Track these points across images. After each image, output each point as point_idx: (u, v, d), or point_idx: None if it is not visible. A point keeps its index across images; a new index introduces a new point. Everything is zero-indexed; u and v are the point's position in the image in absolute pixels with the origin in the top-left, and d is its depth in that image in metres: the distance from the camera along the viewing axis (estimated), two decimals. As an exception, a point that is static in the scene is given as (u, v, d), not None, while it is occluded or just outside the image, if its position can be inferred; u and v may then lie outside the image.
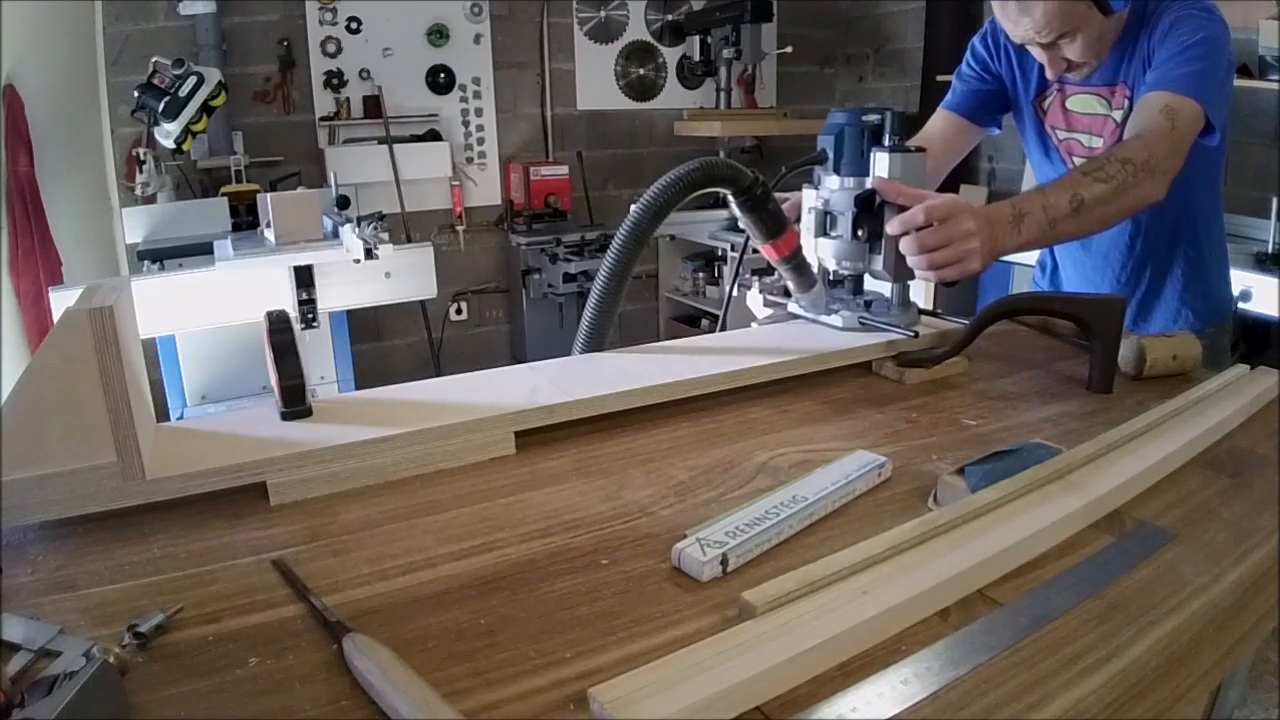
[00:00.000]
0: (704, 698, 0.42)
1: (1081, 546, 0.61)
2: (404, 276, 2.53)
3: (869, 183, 1.00)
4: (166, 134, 2.52)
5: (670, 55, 4.03)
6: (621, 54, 3.95)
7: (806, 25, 4.23)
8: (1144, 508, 0.66)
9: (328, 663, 0.48)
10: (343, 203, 2.64)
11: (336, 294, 2.46)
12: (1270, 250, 2.62)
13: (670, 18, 3.99)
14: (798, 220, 1.08)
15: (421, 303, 3.36)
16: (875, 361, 1.00)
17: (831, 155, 1.04)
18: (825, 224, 1.04)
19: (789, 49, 3.87)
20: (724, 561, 0.57)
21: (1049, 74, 1.33)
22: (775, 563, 0.59)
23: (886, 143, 0.99)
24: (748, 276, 1.13)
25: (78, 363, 0.60)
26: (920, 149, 1.02)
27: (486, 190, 3.75)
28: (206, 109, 2.52)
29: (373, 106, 3.45)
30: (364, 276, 2.43)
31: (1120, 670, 0.47)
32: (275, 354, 0.76)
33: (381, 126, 3.44)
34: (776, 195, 1.07)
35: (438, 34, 3.52)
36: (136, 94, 2.49)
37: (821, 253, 1.06)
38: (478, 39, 3.61)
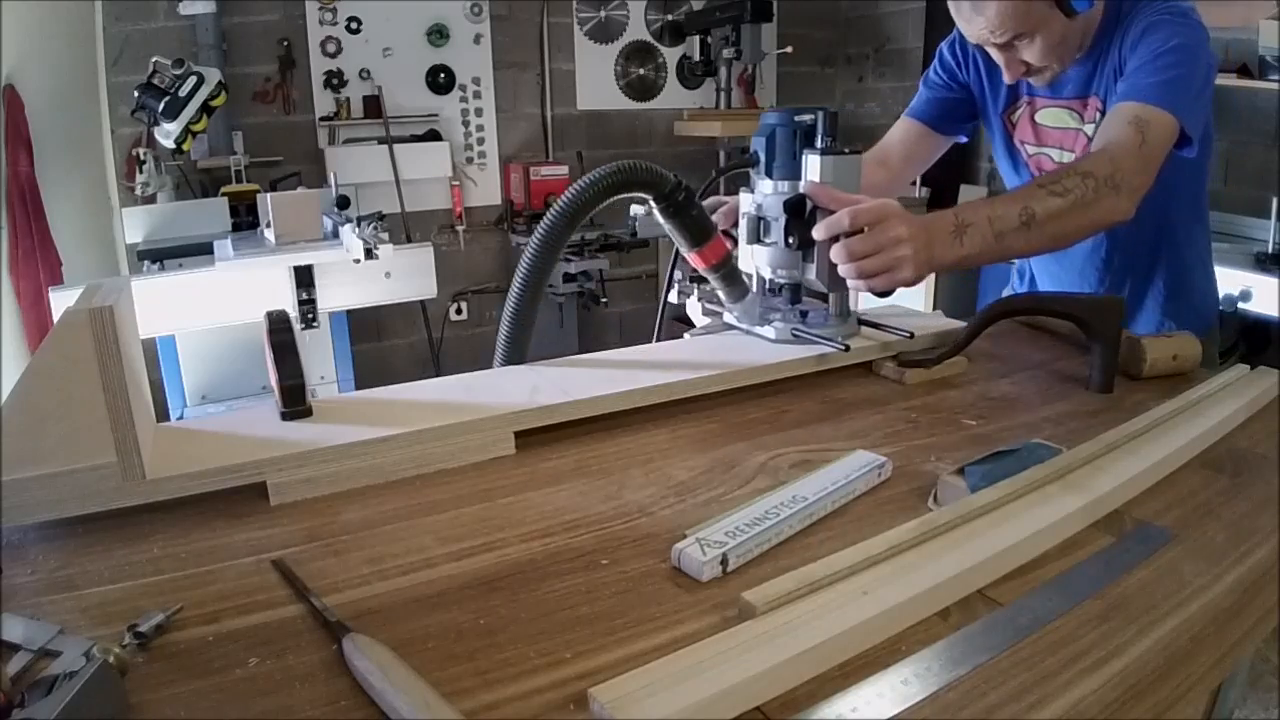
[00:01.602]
0: (704, 698, 0.42)
1: (1081, 546, 0.61)
2: (404, 276, 2.53)
3: (802, 187, 0.95)
4: (166, 134, 2.52)
5: (670, 55, 4.03)
6: (621, 54, 3.95)
7: (806, 25, 4.23)
8: (1144, 508, 0.66)
9: (328, 663, 0.48)
10: (343, 203, 2.64)
11: (336, 294, 2.46)
12: (1270, 250, 2.62)
13: (670, 18, 3.99)
14: (736, 225, 1.04)
15: (421, 303, 3.36)
16: (875, 361, 1.00)
17: (763, 158, 0.99)
18: (759, 230, 0.99)
19: (789, 49, 3.86)
20: (724, 561, 0.57)
21: (1006, 78, 1.25)
22: (775, 563, 0.59)
23: (819, 144, 0.94)
24: (688, 283, 1.07)
25: (78, 363, 0.60)
26: (856, 151, 0.97)
27: (486, 190, 3.75)
28: (206, 109, 2.52)
29: (373, 106, 3.44)
30: (364, 276, 2.43)
31: (1120, 670, 0.47)
32: (275, 354, 0.76)
33: (381, 126, 3.44)
34: (728, 199, 1.05)
35: (438, 34, 3.52)
36: (136, 94, 2.49)
37: (756, 260, 1.01)
38: (478, 39, 3.61)
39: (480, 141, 3.71)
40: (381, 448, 0.72)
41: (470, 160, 3.70)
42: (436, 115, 3.58)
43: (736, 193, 1.07)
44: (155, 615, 0.50)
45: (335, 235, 2.47)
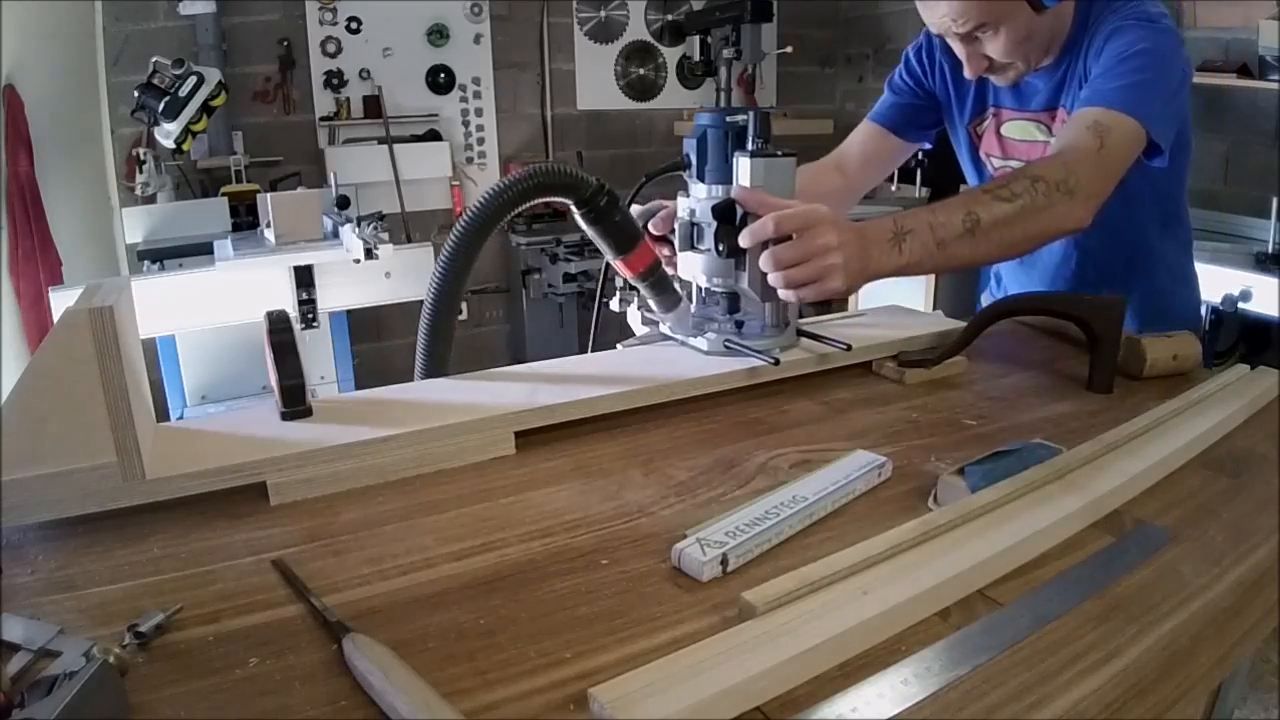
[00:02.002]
0: (704, 698, 0.42)
1: (1081, 546, 0.61)
2: (404, 276, 2.53)
3: (733, 191, 0.91)
4: (166, 134, 2.52)
5: (670, 55, 4.03)
6: (621, 54, 3.95)
7: (806, 25, 4.23)
8: (1144, 508, 0.66)
9: (328, 663, 0.48)
10: (343, 203, 2.64)
11: (336, 294, 2.46)
12: (1270, 250, 2.62)
13: (670, 18, 3.99)
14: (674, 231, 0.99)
15: (421, 303, 3.36)
16: (875, 361, 1.00)
17: (694, 161, 0.94)
18: (692, 236, 0.95)
19: (789, 49, 3.86)
20: (724, 561, 0.57)
21: (967, 73, 1.19)
22: (775, 563, 0.59)
23: (750, 146, 0.90)
24: (629, 290, 1.01)
25: (78, 363, 0.59)
26: (790, 153, 0.91)
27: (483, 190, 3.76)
28: (206, 109, 2.52)
29: (373, 106, 3.44)
30: (364, 276, 2.43)
31: (1120, 670, 0.47)
32: (275, 354, 0.75)
33: (381, 126, 3.44)
34: (668, 203, 1.00)
35: (438, 34, 3.52)
36: (136, 94, 2.49)
37: (691, 268, 0.97)
38: (478, 39, 3.61)
39: (480, 141, 3.71)
40: (381, 448, 0.72)
41: (470, 160, 3.70)
42: (436, 115, 3.58)
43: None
44: (155, 615, 0.50)
45: (335, 235, 2.47)
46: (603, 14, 3.87)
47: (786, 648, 0.46)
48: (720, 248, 0.90)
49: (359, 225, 2.28)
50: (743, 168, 0.90)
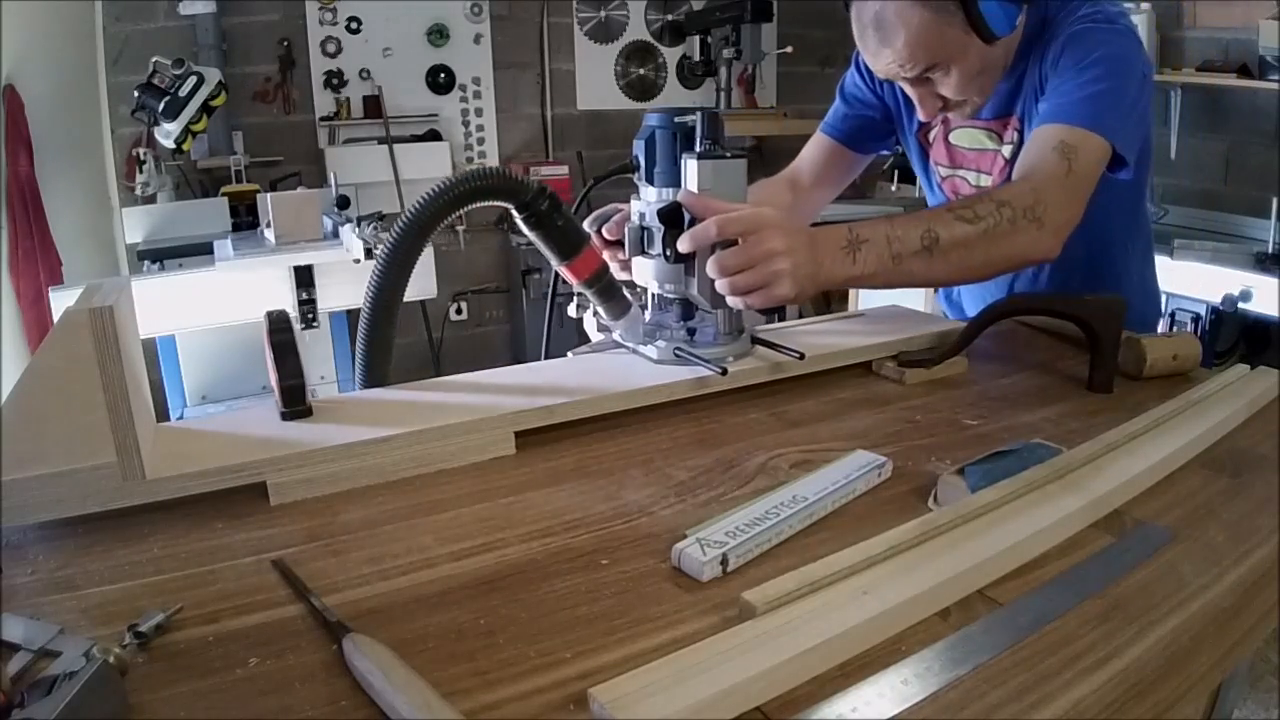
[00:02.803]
0: (704, 698, 0.42)
1: (1081, 546, 0.61)
2: (404, 276, 2.53)
3: (679, 194, 0.88)
4: (166, 134, 2.52)
5: (670, 55, 4.03)
6: (621, 54, 3.95)
7: (806, 25, 4.23)
8: (1144, 508, 0.66)
9: (328, 663, 0.48)
10: (343, 203, 2.64)
11: (336, 294, 2.46)
12: (1270, 250, 2.62)
13: (670, 18, 3.99)
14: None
15: (421, 303, 3.36)
16: (875, 361, 1.00)
17: (643, 163, 0.91)
18: (642, 241, 0.91)
19: (789, 49, 3.86)
20: (724, 561, 0.57)
21: (922, 116, 1.14)
22: (775, 563, 0.59)
23: (698, 148, 0.87)
24: (585, 296, 0.98)
25: (78, 363, 0.59)
26: (740, 155, 0.88)
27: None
28: (206, 109, 2.52)
29: (373, 106, 3.44)
30: (364, 276, 2.41)
31: (1120, 670, 0.47)
32: (275, 354, 0.76)
33: (381, 126, 3.44)
34: (623, 206, 0.97)
35: (438, 34, 3.52)
36: (136, 94, 2.49)
37: (642, 273, 0.94)
38: (478, 39, 3.61)
39: (480, 141, 3.71)
40: (381, 448, 0.72)
41: (470, 160, 3.70)
42: (436, 115, 3.58)
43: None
44: (155, 615, 0.50)
45: (335, 235, 2.47)
46: (603, 14, 3.87)
47: (786, 648, 0.46)
48: (667, 253, 0.87)
49: (359, 225, 2.28)
50: (690, 170, 0.87)
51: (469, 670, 0.47)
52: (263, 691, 0.46)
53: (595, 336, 1.01)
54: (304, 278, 2.38)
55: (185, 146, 2.57)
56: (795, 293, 0.84)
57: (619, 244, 0.97)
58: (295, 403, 0.76)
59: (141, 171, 2.72)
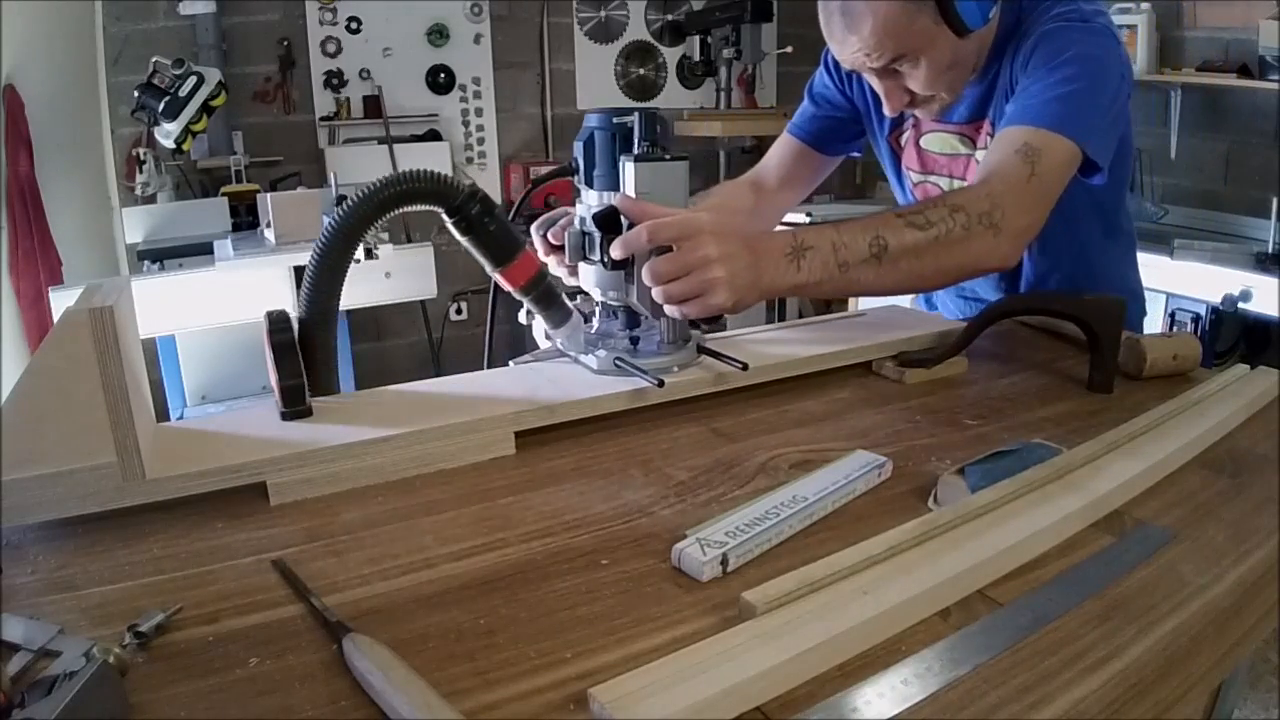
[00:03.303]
0: (704, 698, 0.42)
1: (1081, 546, 0.61)
2: (404, 276, 2.53)
3: (616, 198, 0.85)
4: (166, 134, 2.52)
5: (670, 55, 4.03)
6: (621, 54, 3.94)
7: (806, 25, 4.21)
8: (1144, 508, 0.66)
9: (328, 663, 0.48)
10: (342, 202, 2.64)
11: (336, 294, 2.46)
12: (1270, 250, 2.62)
13: (670, 18, 3.99)
14: None
15: (421, 303, 3.36)
16: (875, 361, 0.99)
17: (582, 165, 0.88)
18: (584, 246, 0.88)
19: (789, 49, 3.86)
20: (724, 561, 0.57)
21: (887, 111, 1.09)
22: (775, 563, 0.59)
23: (635, 150, 0.84)
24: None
25: (78, 363, 0.60)
26: (680, 157, 0.84)
27: (487, 190, 3.75)
28: (206, 109, 2.52)
29: (373, 106, 3.44)
30: (364, 276, 2.43)
31: (1120, 670, 0.47)
32: (275, 354, 0.76)
33: (381, 126, 3.44)
34: (571, 210, 0.93)
35: (438, 34, 3.52)
36: (136, 94, 2.49)
37: (585, 280, 0.91)
38: (478, 39, 3.61)
39: (480, 141, 3.71)
40: (381, 448, 0.72)
41: (470, 160, 3.70)
42: (436, 115, 3.58)
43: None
44: (155, 615, 0.50)
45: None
46: (603, 14, 3.87)
47: (786, 648, 0.46)
48: (605, 259, 0.84)
49: (359, 225, 2.27)
50: (627, 173, 0.84)
51: (469, 670, 0.47)
52: (263, 691, 0.46)
53: (543, 344, 0.97)
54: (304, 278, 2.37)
55: (185, 146, 2.57)
56: (732, 301, 0.81)
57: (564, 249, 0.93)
58: (295, 403, 0.76)
59: (141, 171, 2.72)
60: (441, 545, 0.61)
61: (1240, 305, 2.43)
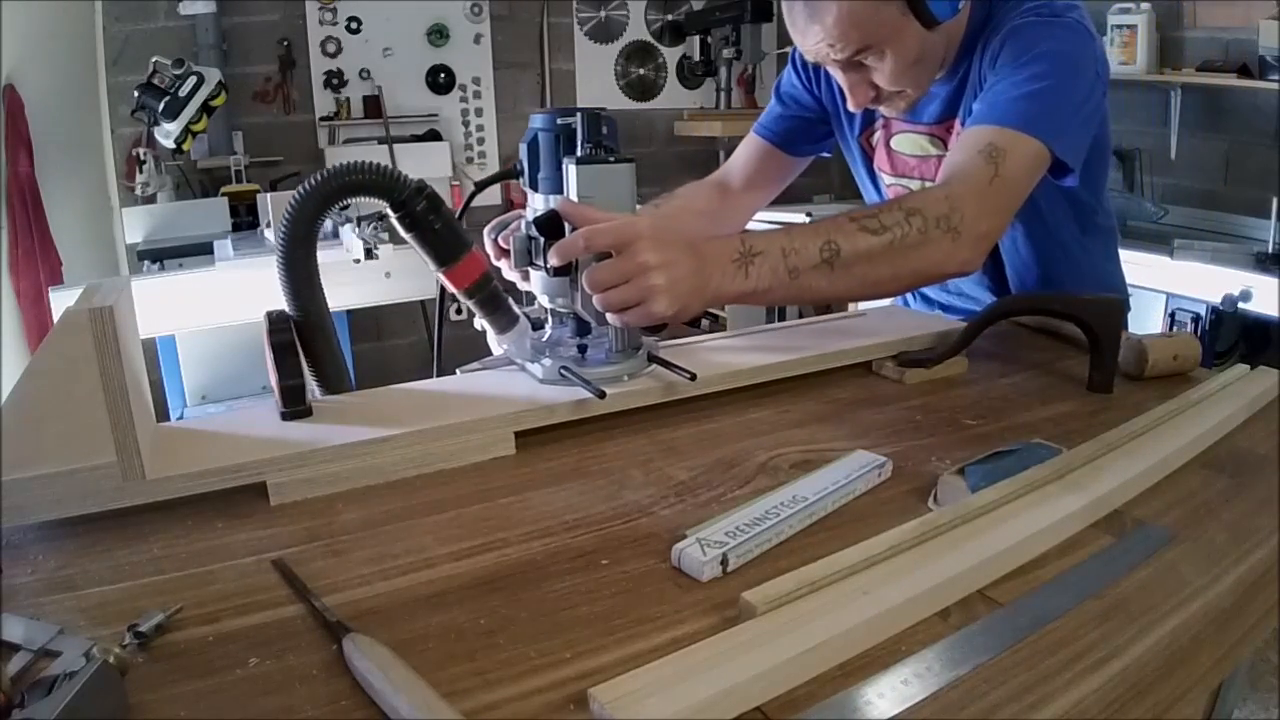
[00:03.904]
0: (704, 698, 0.42)
1: (1081, 546, 0.61)
2: (404, 276, 2.53)
3: (557, 202, 0.82)
4: (166, 134, 2.52)
5: (670, 55, 4.03)
6: (621, 54, 3.94)
7: (806, 25, 4.23)
8: (1144, 508, 0.66)
9: (328, 663, 0.48)
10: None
11: (336, 294, 2.43)
12: (1270, 250, 2.62)
13: (670, 18, 3.99)
14: None
15: (421, 303, 3.36)
16: (875, 361, 0.99)
17: (526, 168, 0.86)
18: (530, 251, 0.85)
19: (789, 49, 3.86)
20: (724, 561, 0.57)
21: (852, 106, 1.06)
22: (775, 563, 0.59)
23: (578, 152, 0.81)
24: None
25: (78, 363, 0.60)
26: (626, 159, 0.81)
27: (487, 190, 3.75)
28: (206, 109, 2.52)
29: (373, 106, 3.44)
30: (364, 276, 2.43)
31: (1120, 670, 0.47)
32: (275, 354, 0.76)
33: (381, 126, 3.44)
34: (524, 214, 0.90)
35: (438, 34, 3.52)
36: (136, 94, 2.49)
37: (535, 286, 0.88)
38: (478, 39, 3.61)
39: (480, 141, 3.71)
40: (381, 448, 0.72)
41: (470, 160, 3.70)
42: (436, 115, 3.58)
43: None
44: (155, 615, 0.50)
45: (335, 235, 2.47)
46: (603, 14, 3.87)
47: (786, 648, 0.46)
48: (548, 265, 0.81)
49: (359, 225, 2.28)
50: (570, 176, 0.81)
51: (469, 670, 0.47)
52: (263, 691, 0.46)
53: (496, 350, 0.94)
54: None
55: (185, 146, 2.57)
56: (674, 310, 0.78)
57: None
58: (295, 403, 0.76)
59: (141, 171, 2.72)
60: (441, 545, 0.61)
61: (1240, 305, 2.44)
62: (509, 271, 0.93)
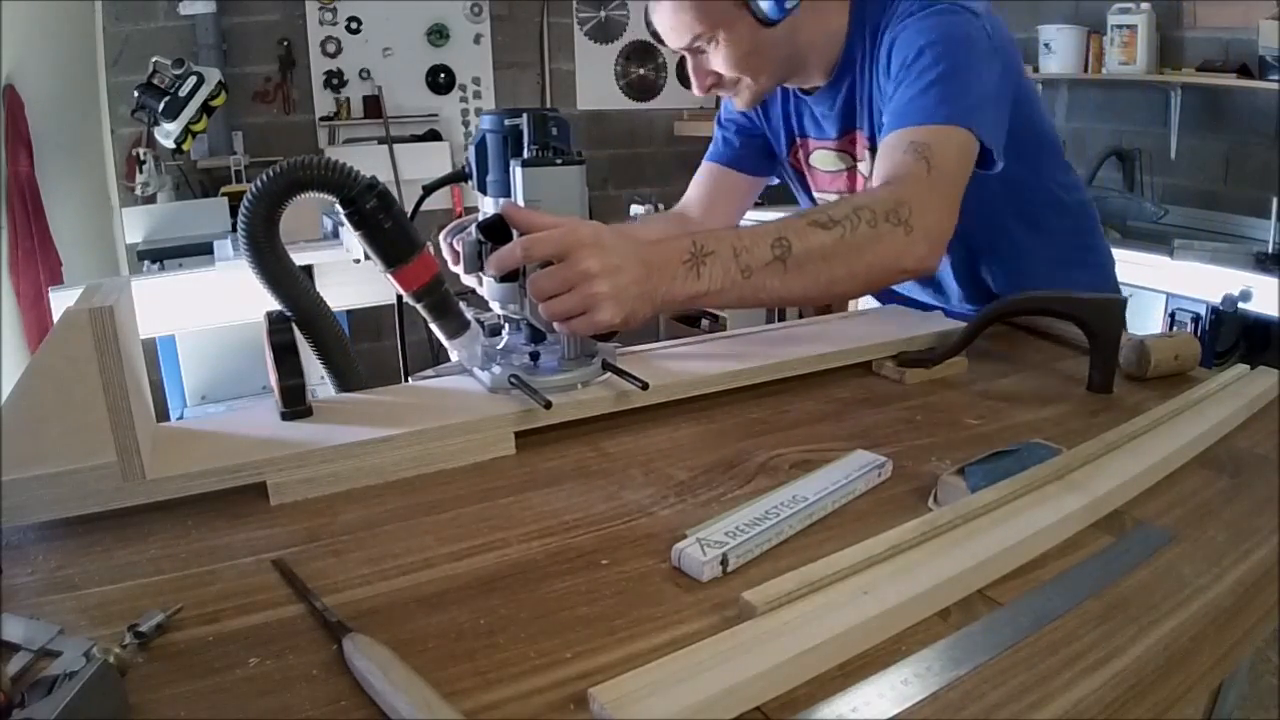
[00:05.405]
0: (704, 698, 0.42)
1: (1081, 546, 0.61)
2: (404, 276, 2.53)
3: (501, 205, 0.80)
4: (166, 134, 2.52)
5: (670, 55, 4.03)
6: (621, 54, 3.95)
7: (806, 25, 4.23)
8: (1144, 508, 0.66)
9: (328, 663, 0.48)
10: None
11: (336, 294, 2.46)
12: (1270, 250, 2.62)
13: (670, 18, 3.99)
14: None
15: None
16: (875, 361, 0.99)
17: (475, 170, 0.84)
18: (480, 255, 0.82)
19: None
20: (724, 561, 0.57)
21: (695, 89, 1.09)
22: (775, 563, 0.59)
23: (525, 154, 0.79)
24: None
25: (78, 363, 0.60)
26: (575, 161, 0.80)
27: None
28: (206, 109, 2.52)
29: (373, 106, 3.45)
30: (364, 276, 2.43)
31: (1120, 670, 0.47)
32: (275, 354, 0.76)
33: (381, 126, 3.44)
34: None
35: (438, 34, 3.52)
36: (136, 94, 2.49)
37: (486, 292, 0.87)
38: (478, 39, 3.61)
39: (480, 141, 3.71)
40: (381, 448, 0.72)
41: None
42: (436, 115, 3.59)
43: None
44: (155, 615, 0.50)
45: (335, 235, 2.47)
46: (603, 14, 3.87)
47: (786, 648, 0.46)
48: (493, 271, 0.80)
49: (359, 225, 2.27)
50: (516, 178, 0.79)
51: (469, 670, 0.47)
52: (263, 691, 0.46)
53: (454, 357, 0.92)
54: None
55: (185, 146, 2.57)
56: (620, 317, 0.76)
57: None
58: (295, 403, 0.76)
59: (141, 171, 2.73)
60: (441, 545, 0.61)
61: (1240, 305, 2.44)
62: (466, 277, 0.91)
